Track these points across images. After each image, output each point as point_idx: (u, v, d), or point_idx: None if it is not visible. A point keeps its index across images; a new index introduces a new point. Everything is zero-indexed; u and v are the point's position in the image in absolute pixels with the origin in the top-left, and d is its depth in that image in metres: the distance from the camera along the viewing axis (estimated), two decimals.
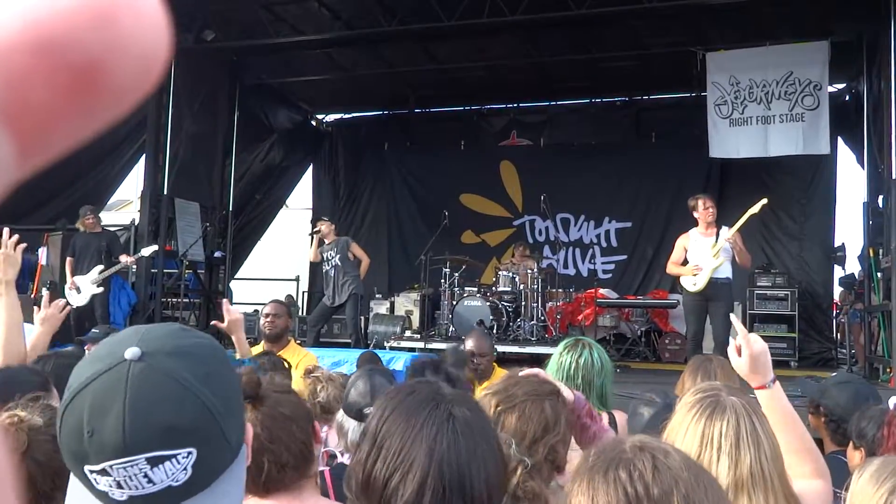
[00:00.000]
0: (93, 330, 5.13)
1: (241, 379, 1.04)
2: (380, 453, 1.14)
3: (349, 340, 8.62)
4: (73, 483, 0.89)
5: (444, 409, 1.19)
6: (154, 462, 0.83)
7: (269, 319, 4.75)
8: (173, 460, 0.84)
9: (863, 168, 9.75)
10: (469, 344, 4.42)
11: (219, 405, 0.87)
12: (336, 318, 9.66)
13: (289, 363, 3.55)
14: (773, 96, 9.43)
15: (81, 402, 0.85)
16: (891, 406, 2.45)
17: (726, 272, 6.66)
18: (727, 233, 6.60)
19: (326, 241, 8.35)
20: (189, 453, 0.85)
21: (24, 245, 2.74)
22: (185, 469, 0.85)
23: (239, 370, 1.38)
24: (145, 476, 0.83)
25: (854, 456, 2.62)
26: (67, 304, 3.33)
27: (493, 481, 1.18)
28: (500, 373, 4.24)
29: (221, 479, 0.89)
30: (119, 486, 0.84)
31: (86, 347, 4.88)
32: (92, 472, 0.84)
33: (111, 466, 0.83)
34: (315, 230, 8.48)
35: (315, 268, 8.92)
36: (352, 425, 2.43)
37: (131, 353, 0.86)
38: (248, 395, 1.53)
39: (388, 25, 9.60)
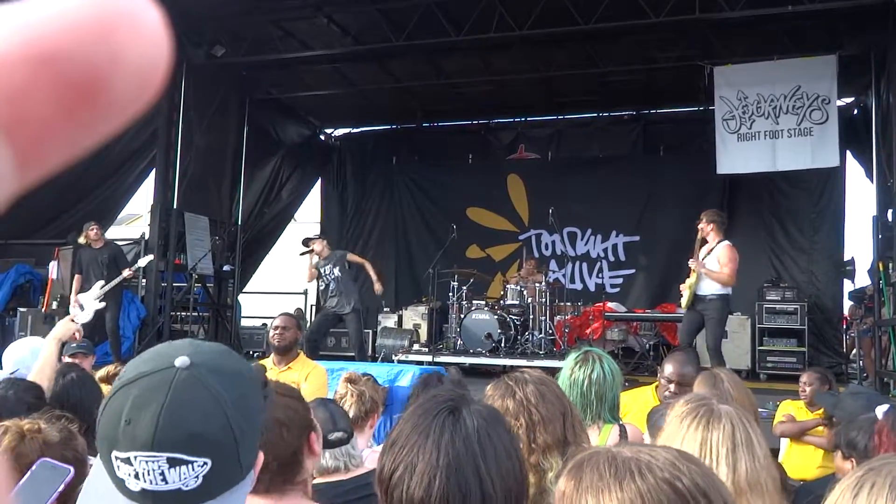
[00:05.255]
0: (70, 344, 5.14)
1: (266, 408, 1.08)
2: (390, 450, 1.23)
3: (353, 353, 8.63)
4: (97, 467, 0.96)
5: (457, 414, 1.25)
6: (173, 463, 0.90)
7: (278, 332, 4.78)
8: (190, 466, 0.90)
9: (872, 182, 9.72)
10: (667, 369, 3.56)
11: (242, 428, 0.95)
12: (343, 332, 9.66)
13: None
14: (780, 110, 9.40)
15: (127, 394, 0.93)
16: (879, 415, 2.41)
17: (710, 289, 6.71)
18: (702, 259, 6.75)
19: (321, 258, 8.29)
20: (205, 463, 0.91)
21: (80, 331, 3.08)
22: (197, 477, 0.91)
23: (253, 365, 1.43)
24: (161, 474, 0.90)
25: (844, 466, 2.56)
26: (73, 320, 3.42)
27: (506, 486, 1.22)
28: None
29: (225, 496, 0.95)
30: (136, 476, 0.90)
31: (63, 357, 4.87)
32: (117, 458, 0.91)
33: (135, 457, 0.90)
34: (308, 250, 8.34)
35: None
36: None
37: (181, 361, 0.94)
38: None
39: (397, 41, 9.65)
